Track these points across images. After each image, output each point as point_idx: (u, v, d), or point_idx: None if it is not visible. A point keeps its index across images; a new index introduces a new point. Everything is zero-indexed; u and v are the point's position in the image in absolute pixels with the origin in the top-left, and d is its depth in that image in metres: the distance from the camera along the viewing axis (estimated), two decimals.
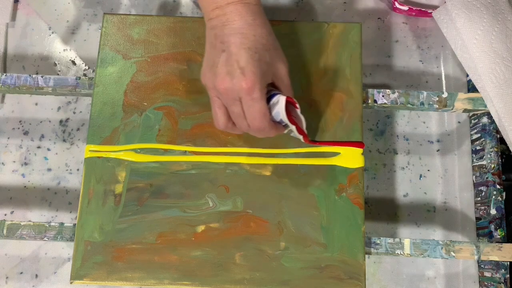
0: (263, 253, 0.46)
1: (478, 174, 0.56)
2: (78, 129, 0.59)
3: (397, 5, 0.61)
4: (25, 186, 0.57)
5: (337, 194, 0.48)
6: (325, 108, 0.50)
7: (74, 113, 0.59)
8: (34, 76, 0.52)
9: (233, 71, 0.39)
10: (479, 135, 0.57)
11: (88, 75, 0.60)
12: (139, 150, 0.49)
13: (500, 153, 0.55)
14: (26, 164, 0.58)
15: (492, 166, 0.54)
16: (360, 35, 0.52)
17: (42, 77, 0.52)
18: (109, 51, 0.51)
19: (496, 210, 0.53)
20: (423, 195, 0.57)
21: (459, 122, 0.59)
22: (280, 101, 0.41)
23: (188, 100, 0.50)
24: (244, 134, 0.49)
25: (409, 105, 0.52)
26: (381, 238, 0.48)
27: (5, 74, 0.53)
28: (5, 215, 0.57)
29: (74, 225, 0.49)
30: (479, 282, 0.54)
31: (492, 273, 0.53)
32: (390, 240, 0.48)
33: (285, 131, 0.45)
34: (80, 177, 0.57)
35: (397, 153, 0.58)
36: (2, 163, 0.58)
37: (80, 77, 0.52)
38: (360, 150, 0.49)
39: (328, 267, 0.46)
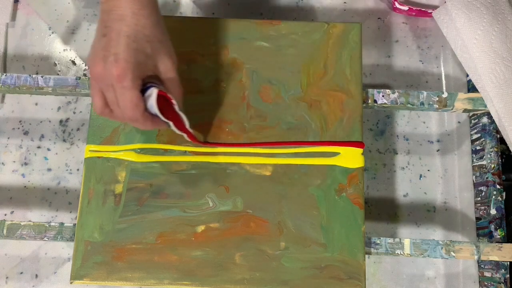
0: (263, 253, 0.46)
1: (478, 174, 0.56)
2: (78, 129, 0.59)
3: (397, 5, 0.61)
4: (25, 186, 0.57)
5: (337, 194, 0.48)
6: (325, 108, 0.50)
7: (74, 113, 0.59)
8: (34, 76, 0.52)
9: (107, 56, 0.39)
10: (479, 135, 0.57)
11: (88, 75, 0.60)
12: (139, 150, 0.49)
13: (500, 153, 0.55)
14: (26, 164, 0.58)
15: (492, 166, 0.54)
16: (360, 35, 0.52)
17: (42, 77, 0.52)
18: None
19: (496, 210, 0.53)
20: (423, 195, 0.57)
21: (459, 122, 0.59)
22: (152, 94, 0.40)
23: (188, 100, 0.50)
24: (244, 134, 0.49)
25: (409, 105, 0.52)
26: (381, 238, 0.48)
27: (5, 74, 0.53)
28: (5, 215, 0.57)
29: (74, 225, 0.49)
30: (479, 282, 0.54)
31: (492, 273, 0.53)
32: (390, 240, 0.48)
33: (168, 127, 0.44)
34: (80, 177, 0.57)
35: (397, 153, 0.58)
36: (2, 163, 0.58)
37: (80, 77, 0.52)
38: (360, 150, 0.49)
39: (328, 267, 0.46)
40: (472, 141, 0.58)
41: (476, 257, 0.48)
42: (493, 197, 0.53)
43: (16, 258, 0.55)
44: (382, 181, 0.57)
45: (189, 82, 0.50)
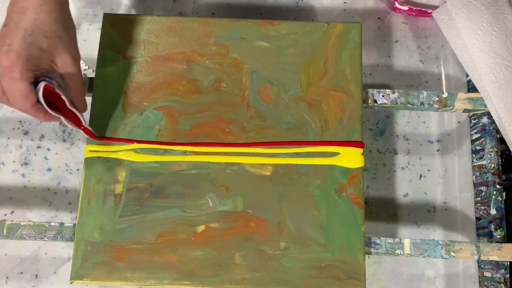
0: (263, 253, 0.46)
1: (478, 174, 0.56)
2: None
3: (397, 5, 0.61)
4: (25, 186, 0.57)
5: (337, 194, 0.48)
6: (325, 108, 0.50)
7: None
8: None
9: (1, 46, 0.40)
10: (479, 135, 0.57)
11: (88, 75, 0.60)
12: (139, 150, 0.49)
13: (500, 153, 0.55)
14: (26, 164, 0.58)
15: (492, 166, 0.54)
16: (360, 35, 0.52)
17: None
18: (109, 51, 0.51)
19: (496, 210, 0.53)
20: (423, 195, 0.57)
21: (459, 122, 0.59)
22: (40, 88, 0.41)
23: (188, 100, 0.50)
24: (244, 134, 0.49)
25: (409, 105, 0.52)
26: (381, 238, 0.48)
27: None
28: (5, 215, 0.57)
29: (74, 225, 0.49)
30: (479, 282, 0.54)
31: (492, 273, 0.53)
32: (390, 240, 0.48)
33: (63, 121, 0.45)
34: (80, 177, 0.57)
35: (397, 153, 0.58)
36: (2, 163, 0.58)
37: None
38: (360, 150, 0.49)
39: (328, 267, 0.46)
40: (472, 141, 0.58)
41: (476, 257, 0.48)
42: (493, 197, 0.53)
43: (16, 258, 0.55)
44: (382, 181, 0.57)
45: (189, 82, 0.50)
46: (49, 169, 0.58)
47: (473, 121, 0.58)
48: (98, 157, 0.49)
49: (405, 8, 0.61)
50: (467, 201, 0.57)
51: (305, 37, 0.52)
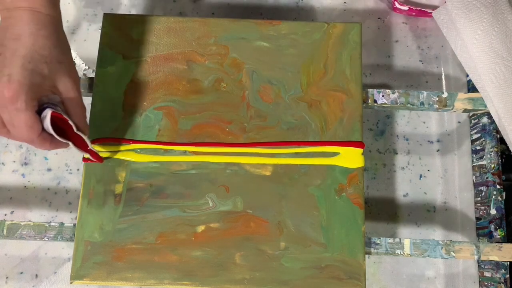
0: (263, 253, 0.46)
1: (478, 174, 0.56)
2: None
3: (397, 5, 0.61)
4: (25, 186, 0.57)
5: (337, 194, 0.48)
6: (325, 108, 0.50)
7: None
8: None
9: (0, 77, 0.38)
10: (479, 135, 0.57)
11: (88, 75, 0.60)
12: (139, 150, 0.49)
13: (500, 153, 0.55)
14: (26, 164, 0.58)
15: (492, 166, 0.54)
16: (360, 35, 0.52)
17: None
18: (109, 51, 0.51)
19: (496, 210, 0.53)
20: (423, 195, 0.57)
21: (459, 122, 0.59)
22: (47, 116, 0.40)
23: (188, 100, 0.50)
24: (244, 134, 0.49)
25: (409, 105, 0.52)
26: (381, 238, 0.48)
27: None
28: (5, 215, 0.57)
29: (74, 225, 0.49)
30: (479, 282, 0.54)
31: (492, 273, 0.53)
32: (390, 240, 0.48)
33: (69, 147, 0.44)
34: (80, 177, 0.57)
35: (397, 153, 0.58)
36: (2, 163, 0.58)
37: (80, 77, 0.52)
38: (360, 150, 0.49)
39: (328, 267, 0.46)
40: (472, 141, 0.58)
41: (476, 257, 0.48)
42: (493, 197, 0.53)
43: (16, 258, 0.55)
44: (382, 181, 0.57)
45: (189, 82, 0.50)
46: (49, 169, 0.58)
47: (473, 121, 0.58)
48: None
49: (405, 8, 0.61)
50: (467, 201, 0.57)
51: (305, 37, 0.52)
